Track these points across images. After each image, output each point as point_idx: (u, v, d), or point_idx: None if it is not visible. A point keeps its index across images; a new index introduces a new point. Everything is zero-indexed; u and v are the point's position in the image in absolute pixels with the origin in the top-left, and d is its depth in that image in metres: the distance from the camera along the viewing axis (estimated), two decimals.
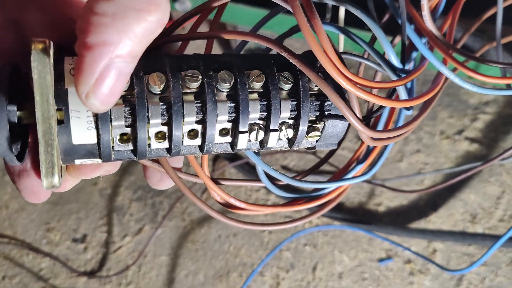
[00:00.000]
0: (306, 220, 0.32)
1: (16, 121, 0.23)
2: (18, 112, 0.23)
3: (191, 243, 0.76)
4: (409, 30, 0.29)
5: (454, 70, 0.39)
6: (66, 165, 0.26)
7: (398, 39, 0.32)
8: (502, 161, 0.54)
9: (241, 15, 0.70)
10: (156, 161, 0.28)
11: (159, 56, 0.25)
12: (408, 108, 0.32)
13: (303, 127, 0.26)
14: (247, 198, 0.78)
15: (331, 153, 0.36)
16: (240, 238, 0.76)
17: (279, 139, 0.27)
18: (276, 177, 0.30)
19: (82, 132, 0.23)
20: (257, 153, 0.30)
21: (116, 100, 0.22)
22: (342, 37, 0.32)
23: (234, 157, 0.79)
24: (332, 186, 0.32)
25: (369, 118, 0.31)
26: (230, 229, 0.76)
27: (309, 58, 0.26)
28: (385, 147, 0.35)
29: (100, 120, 0.23)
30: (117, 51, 0.21)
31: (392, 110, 0.36)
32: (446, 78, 0.32)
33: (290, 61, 0.25)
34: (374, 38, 0.31)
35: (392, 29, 0.32)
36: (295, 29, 0.28)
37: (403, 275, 0.72)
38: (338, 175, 0.34)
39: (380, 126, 0.35)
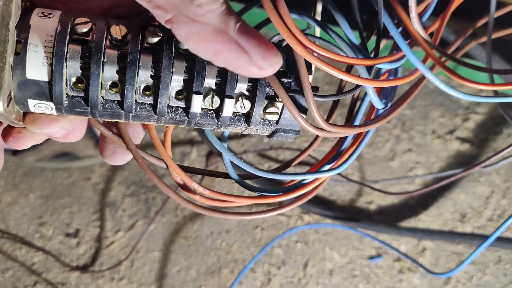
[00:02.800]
0: (276, 213, 0.31)
1: None
2: None
3: (184, 239, 0.77)
4: (395, 33, 0.28)
5: (431, 67, 0.38)
6: (23, 114, 0.26)
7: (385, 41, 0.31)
8: (484, 168, 0.55)
9: None
10: (116, 133, 0.28)
11: (127, 16, 0.26)
12: (381, 105, 0.31)
13: (260, 100, 0.26)
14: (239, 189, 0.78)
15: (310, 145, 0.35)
16: (232, 234, 0.76)
17: (236, 113, 0.26)
18: (247, 170, 0.29)
19: (37, 67, 0.24)
20: (223, 141, 0.30)
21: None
22: (318, 29, 0.32)
23: None
24: (308, 177, 0.31)
25: (341, 95, 0.29)
26: (222, 225, 0.77)
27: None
28: (362, 139, 0.33)
29: (55, 56, 0.23)
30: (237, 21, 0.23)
31: (372, 109, 0.35)
32: (423, 77, 0.31)
33: None
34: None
35: (387, 36, 0.32)
36: (266, 22, 0.29)
37: (392, 273, 0.73)
38: (313, 168, 0.34)
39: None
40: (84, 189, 0.81)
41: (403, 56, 0.28)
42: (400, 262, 0.74)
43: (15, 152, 0.79)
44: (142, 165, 0.28)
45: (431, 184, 0.62)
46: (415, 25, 0.26)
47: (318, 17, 0.32)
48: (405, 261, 0.73)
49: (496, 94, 0.49)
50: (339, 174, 0.76)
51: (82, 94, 0.25)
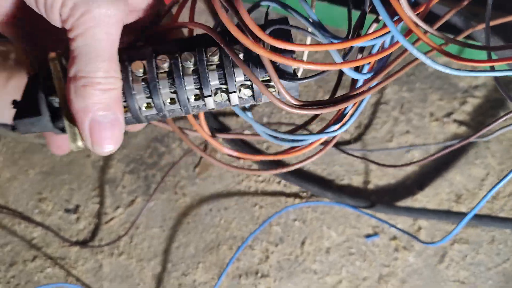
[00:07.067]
0: (281, 171, 0.39)
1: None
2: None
3: (183, 216, 0.77)
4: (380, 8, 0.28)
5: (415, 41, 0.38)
6: None
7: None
8: (481, 138, 0.57)
9: None
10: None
11: (138, 47, 0.33)
12: (359, 76, 0.33)
13: (257, 89, 0.33)
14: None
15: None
16: (231, 212, 0.77)
17: (241, 97, 0.33)
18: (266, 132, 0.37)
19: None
20: (246, 110, 0.38)
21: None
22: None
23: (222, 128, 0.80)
24: (311, 138, 0.37)
25: (307, 78, 0.33)
26: (221, 203, 0.78)
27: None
28: (359, 105, 0.35)
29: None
30: (92, 111, 0.29)
31: (354, 81, 0.36)
32: (405, 50, 0.31)
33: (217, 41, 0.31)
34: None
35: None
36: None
37: (388, 251, 0.74)
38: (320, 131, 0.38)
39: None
40: (84, 167, 0.81)
41: (387, 32, 0.29)
42: (396, 240, 0.75)
43: (14, 128, 0.79)
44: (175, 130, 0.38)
45: (428, 160, 0.63)
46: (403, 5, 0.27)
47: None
48: (400, 240, 0.75)
49: (493, 69, 0.49)
50: (344, 151, 0.77)
51: (128, 115, 0.34)
